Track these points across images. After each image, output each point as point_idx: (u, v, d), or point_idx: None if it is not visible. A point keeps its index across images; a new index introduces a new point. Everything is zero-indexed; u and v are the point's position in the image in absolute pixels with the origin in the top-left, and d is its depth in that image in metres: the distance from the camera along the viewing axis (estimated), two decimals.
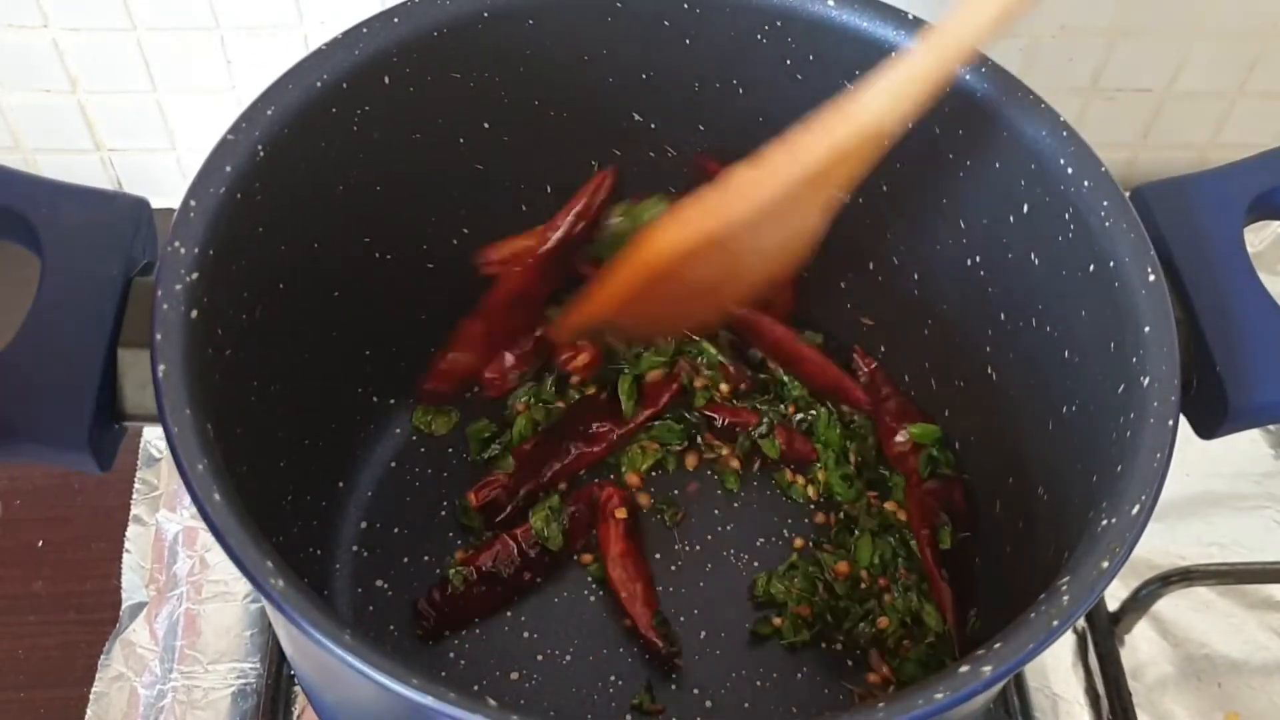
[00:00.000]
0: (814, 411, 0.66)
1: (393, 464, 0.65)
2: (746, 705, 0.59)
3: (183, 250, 0.44)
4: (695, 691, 0.60)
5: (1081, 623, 0.66)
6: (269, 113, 0.48)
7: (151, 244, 0.49)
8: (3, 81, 0.75)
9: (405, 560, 0.63)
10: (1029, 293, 0.53)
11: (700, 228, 0.52)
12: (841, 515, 0.65)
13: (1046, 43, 0.76)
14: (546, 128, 0.57)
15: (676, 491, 0.66)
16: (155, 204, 0.49)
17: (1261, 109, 0.81)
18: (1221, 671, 0.66)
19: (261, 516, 0.40)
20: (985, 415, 0.59)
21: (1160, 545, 0.68)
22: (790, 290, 0.66)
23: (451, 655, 0.60)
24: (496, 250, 0.60)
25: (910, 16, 0.52)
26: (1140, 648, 0.66)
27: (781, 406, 0.67)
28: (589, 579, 0.63)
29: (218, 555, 0.66)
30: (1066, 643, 0.65)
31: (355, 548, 0.63)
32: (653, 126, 0.59)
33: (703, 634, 0.61)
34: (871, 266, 0.62)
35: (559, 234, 0.59)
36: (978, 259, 0.56)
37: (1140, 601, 0.66)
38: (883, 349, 0.66)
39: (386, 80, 0.52)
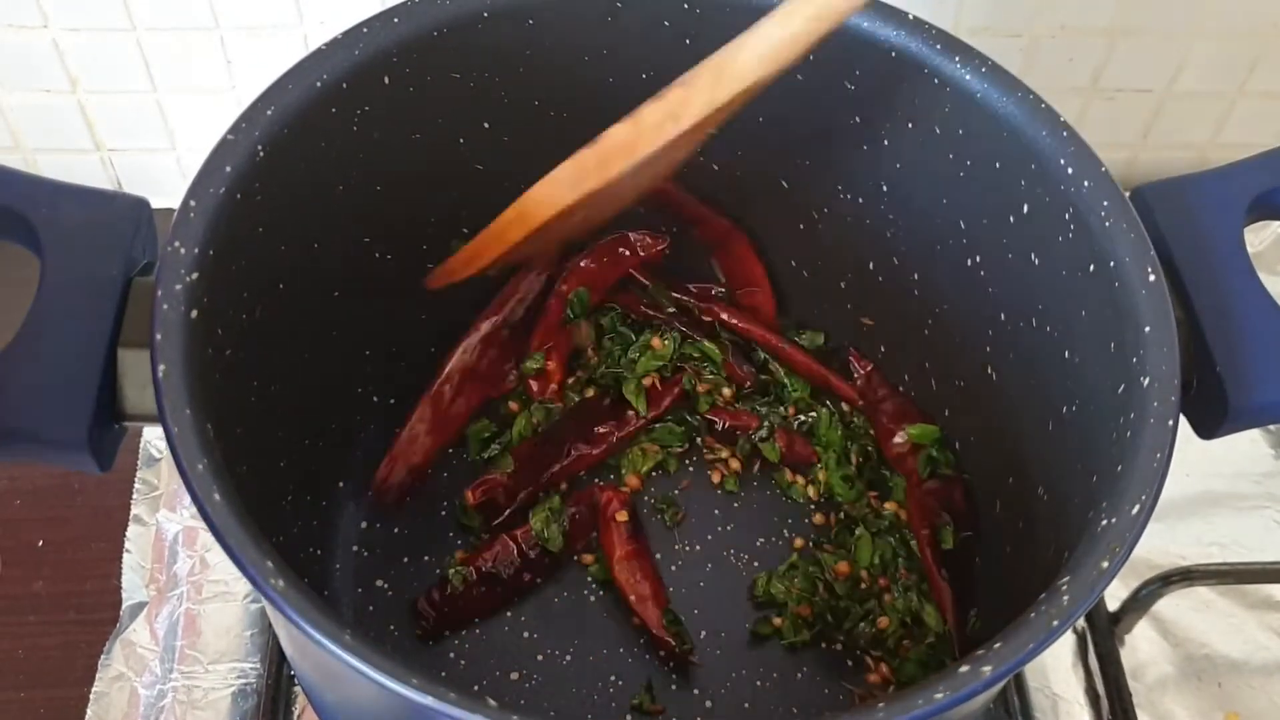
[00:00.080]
0: (814, 413, 0.66)
1: None
2: (746, 705, 0.59)
3: (183, 250, 0.44)
4: (695, 691, 0.60)
5: (1081, 623, 0.66)
6: (269, 113, 0.48)
7: (151, 244, 0.49)
8: (3, 81, 0.75)
9: (405, 560, 0.63)
10: (1029, 293, 0.53)
11: (580, 188, 0.52)
12: (842, 515, 0.65)
13: (1046, 43, 0.76)
14: (546, 128, 0.57)
15: (676, 492, 0.66)
16: (155, 204, 0.49)
17: (1261, 109, 0.81)
18: (1222, 671, 0.65)
19: (261, 516, 0.40)
20: (985, 415, 0.59)
21: (1160, 545, 0.68)
22: (769, 292, 0.67)
23: (451, 655, 0.60)
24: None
25: (910, 17, 0.52)
26: (1140, 648, 0.66)
27: (782, 408, 0.67)
28: (589, 579, 0.63)
29: (218, 555, 0.66)
30: (1066, 643, 0.65)
31: (355, 548, 0.63)
32: None
33: (703, 634, 0.61)
34: (871, 266, 0.62)
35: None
36: (978, 259, 0.56)
37: (1140, 601, 0.66)
38: (882, 349, 0.66)
39: (386, 80, 0.52)
